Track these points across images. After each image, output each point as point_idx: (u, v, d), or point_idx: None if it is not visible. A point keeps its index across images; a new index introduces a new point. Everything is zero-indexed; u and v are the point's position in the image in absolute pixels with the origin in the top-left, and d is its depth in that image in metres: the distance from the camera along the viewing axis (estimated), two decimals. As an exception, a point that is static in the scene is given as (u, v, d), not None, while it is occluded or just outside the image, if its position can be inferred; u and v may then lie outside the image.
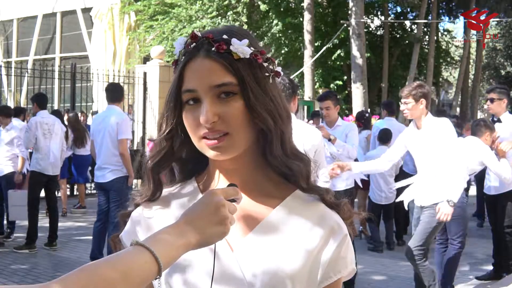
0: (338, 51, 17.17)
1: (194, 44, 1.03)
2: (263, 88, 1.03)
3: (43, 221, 7.51)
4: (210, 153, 1.03)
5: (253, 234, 1.05)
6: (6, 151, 7.43)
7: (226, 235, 0.96)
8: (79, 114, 11.78)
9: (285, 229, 1.05)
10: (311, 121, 10.40)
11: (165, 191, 1.14)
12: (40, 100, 7.23)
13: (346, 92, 18.08)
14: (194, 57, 1.02)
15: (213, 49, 1.01)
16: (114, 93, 6.08)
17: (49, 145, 6.99)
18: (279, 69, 1.08)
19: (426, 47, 20.24)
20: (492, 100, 5.75)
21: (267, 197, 1.08)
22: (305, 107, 15.21)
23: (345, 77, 18.09)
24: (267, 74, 1.05)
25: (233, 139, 1.01)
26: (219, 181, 1.09)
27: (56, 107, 15.91)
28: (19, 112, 9.52)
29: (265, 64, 1.05)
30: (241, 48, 1.01)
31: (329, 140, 5.10)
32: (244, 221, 1.06)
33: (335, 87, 18.10)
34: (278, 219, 1.06)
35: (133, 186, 12.68)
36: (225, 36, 1.02)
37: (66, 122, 9.87)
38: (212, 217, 0.94)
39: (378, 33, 20.55)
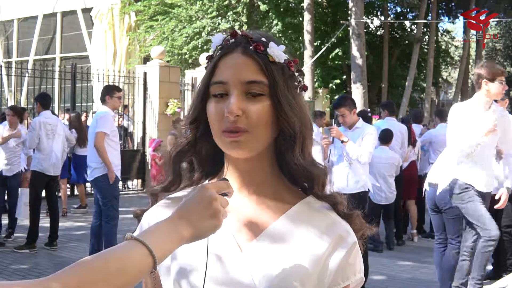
0: (336, 50, 17.18)
1: (233, 40, 1.06)
2: (292, 95, 1.05)
3: (44, 221, 7.51)
4: (228, 147, 1.04)
5: (263, 237, 1.05)
6: (16, 151, 7.52)
7: (219, 228, 0.97)
8: (83, 114, 11.81)
9: (295, 234, 1.06)
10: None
11: (179, 194, 1.13)
12: (44, 100, 7.25)
13: (345, 91, 18.10)
14: (231, 52, 1.05)
15: (250, 47, 1.04)
16: (101, 94, 6.22)
17: (52, 145, 7.00)
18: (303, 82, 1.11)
19: (425, 47, 20.25)
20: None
21: (279, 201, 1.09)
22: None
23: (344, 76, 18.12)
24: (296, 83, 1.08)
25: (252, 137, 1.02)
26: (232, 184, 1.08)
27: (56, 107, 15.91)
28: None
29: (296, 74, 1.08)
30: (277, 52, 1.04)
31: (342, 141, 5.05)
32: (254, 224, 1.07)
33: (334, 86, 18.13)
34: (288, 224, 1.07)
35: (132, 186, 12.60)
36: (263, 39, 1.05)
37: (66, 122, 9.90)
38: (205, 211, 0.95)
39: (378, 33, 20.56)
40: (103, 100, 6.13)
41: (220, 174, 1.13)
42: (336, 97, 18.40)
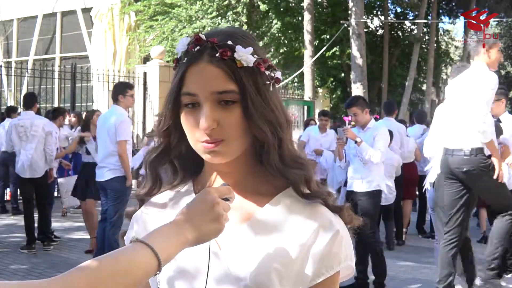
0: (334, 49, 17.18)
1: (198, 47, 1.03)
2: (264, 97, 1.03)
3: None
4: (205, 156, 1.05)
5: (241, 231, 1.06)
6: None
7: (221, 232, 0.98)
8: (84, 114, 11.81)
9: (274, 226, 1.06)
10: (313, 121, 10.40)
11: (164, 194, 1.15)
12: (24, 101, 7.14)
13: (341, 89, 18.15)
14: (197, 61, 1.02)
15: (217, 54, 1.01)
16: (112, 92, 6.07)
17: (24, 147, 6.80)
18: (279, 74, 1.08)
19: (425, 47, 20.24)
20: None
21: (259, 195, 1.10)
22: (305, 107, 15.22)
23: (342, 75, 18.13)
24: (267, 82, 1.05)
25: (229, 145, 1.03)
26: (214, 183, 1.11)
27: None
28: (10, 111, 9.61)
29: (267, 72, 1.06)
30: (245, 56, 1.02)
31: (356, 142, 5.14)
32: (234, 218, 1.07)
33: (332, 85, 18.15)
34: (267, 216, 1.07)
35: (132, 187, 12.68)
36: (229, 42, 1.02)
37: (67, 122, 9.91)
38: (207, 215, 0.96)
39: (378, 33, 20.55)
40: (115, 100, 5.96)
41: (201, 174, 1.15)
42: (334, 96, 18.52)
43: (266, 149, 1.05)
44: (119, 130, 5.77)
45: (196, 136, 1.03)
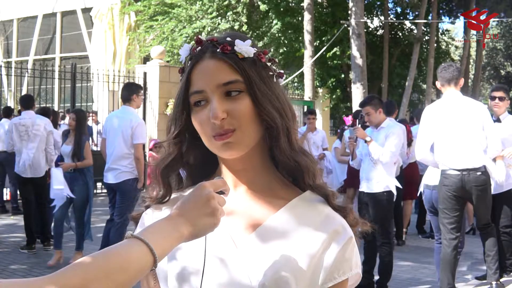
0: (334, 49, 17.18)
1: (200, 48, 1.07)
2: (268, 86, 1.07)
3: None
4: (221, 151, 1.05)
5: (258, 232, 1.06)
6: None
7: (217, 226, 0.98)
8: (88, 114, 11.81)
9: (290, 230, 1.06)
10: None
11: (175, 194, 1.15)
12: (23, 101, 7.14)
13: (341, 89, 18.13)
14: (200, 60, 1.06)
15: (218, 50, 1.05)
16: (124, 93, 5.99)
17: (26, 146, 6.81)
18: (281, 70, 1.12)
19: (426, 47, 20.22)
20: (501, 99, 5.77)
21: (274, 197, 1.10)
22: (305, 107, 15.21)
23: (343, 76, 18.11)
24: (271, 73, 1.09)
25: (241, 135, 1.03)
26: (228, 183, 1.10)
27: (56, 108, 15.90)
28: (8, 112, 9.62)
29: (269, 64, 1.09)
30: (245, 48, 1.05)
31: (366, 141, 5.12)
32: (250, 220, 1.08)
33: (332, 85, 18.14)
34: (283, 220, 1.08)
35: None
36: (228, 38, 1.06)
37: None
38: (203, 209, 0.96)
39: (378, 33, 20.54)
40: (128, 100, 5.87)
41: (213, 177, 1.14)
42: (334, 96, 18.50)
43: (275, 134, 1.06)
44: (137, 133, 5.71)
45: (209, 132, 1.04)
